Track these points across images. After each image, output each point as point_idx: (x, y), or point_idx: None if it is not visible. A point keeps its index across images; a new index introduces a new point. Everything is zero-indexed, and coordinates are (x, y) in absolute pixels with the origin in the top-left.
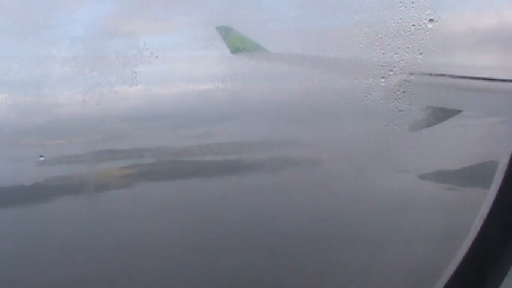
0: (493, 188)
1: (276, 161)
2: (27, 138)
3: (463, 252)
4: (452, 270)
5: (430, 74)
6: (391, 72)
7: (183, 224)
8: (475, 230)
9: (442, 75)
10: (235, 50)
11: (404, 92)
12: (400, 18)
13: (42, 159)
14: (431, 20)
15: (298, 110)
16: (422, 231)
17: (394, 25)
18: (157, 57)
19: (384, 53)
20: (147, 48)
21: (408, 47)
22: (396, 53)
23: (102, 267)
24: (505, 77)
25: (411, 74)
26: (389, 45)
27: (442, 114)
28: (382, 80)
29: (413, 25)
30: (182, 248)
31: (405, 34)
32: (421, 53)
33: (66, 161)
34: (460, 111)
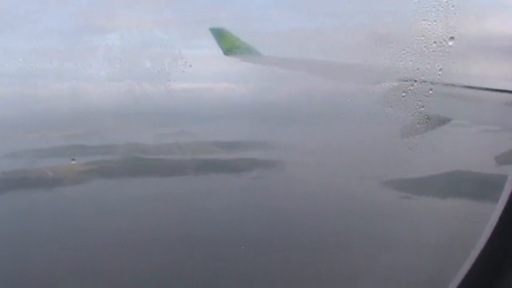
0: (502, 198)
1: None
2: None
3: (472, 260)
4: (463, 274)
5: (448, 85)
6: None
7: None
8: (485, 239)
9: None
10: (227, 51)
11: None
12: (423, 36)
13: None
14: (452, 38)
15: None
16: (420, 236)
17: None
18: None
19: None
20: (138, 46)
21: (429, 63)
22: (418, 68)
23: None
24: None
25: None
26: (411, 60)
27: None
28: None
29: (435, 42)
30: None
31: (427, 50)
32: (440, 69)
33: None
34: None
